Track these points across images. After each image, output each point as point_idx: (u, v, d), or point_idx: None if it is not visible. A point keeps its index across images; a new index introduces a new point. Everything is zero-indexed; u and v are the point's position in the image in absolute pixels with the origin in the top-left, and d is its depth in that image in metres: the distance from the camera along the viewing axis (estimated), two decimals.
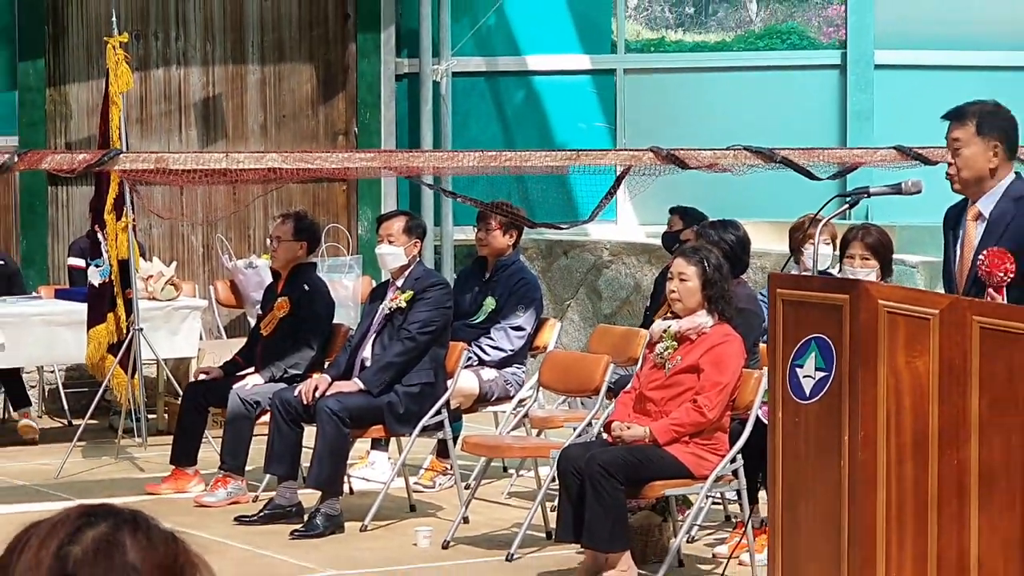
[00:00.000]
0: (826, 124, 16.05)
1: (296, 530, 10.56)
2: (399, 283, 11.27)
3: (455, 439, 11.32)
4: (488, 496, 11.28)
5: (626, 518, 9.28)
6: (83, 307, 13.65)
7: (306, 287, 12.02)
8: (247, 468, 11.55)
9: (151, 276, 14.11)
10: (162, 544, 2.57)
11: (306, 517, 10.70)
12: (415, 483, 11.81)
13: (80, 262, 14.33)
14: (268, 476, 11.34)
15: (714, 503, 10.24)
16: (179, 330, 14.36)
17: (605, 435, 9.65)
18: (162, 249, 16.11)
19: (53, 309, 14.28)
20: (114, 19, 14.01)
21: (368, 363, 11.16)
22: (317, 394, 10.87)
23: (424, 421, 10.95)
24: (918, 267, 11.46)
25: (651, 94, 17.16)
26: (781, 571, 7.53)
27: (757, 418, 9.06)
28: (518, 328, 12.10)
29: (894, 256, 10.33)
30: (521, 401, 11.92)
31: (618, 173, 12.07)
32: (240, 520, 10.84)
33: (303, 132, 16.98)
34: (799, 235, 10.77)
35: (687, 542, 9.69)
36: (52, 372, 15.03)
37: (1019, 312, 7.03)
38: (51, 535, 2.56)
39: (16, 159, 11.64)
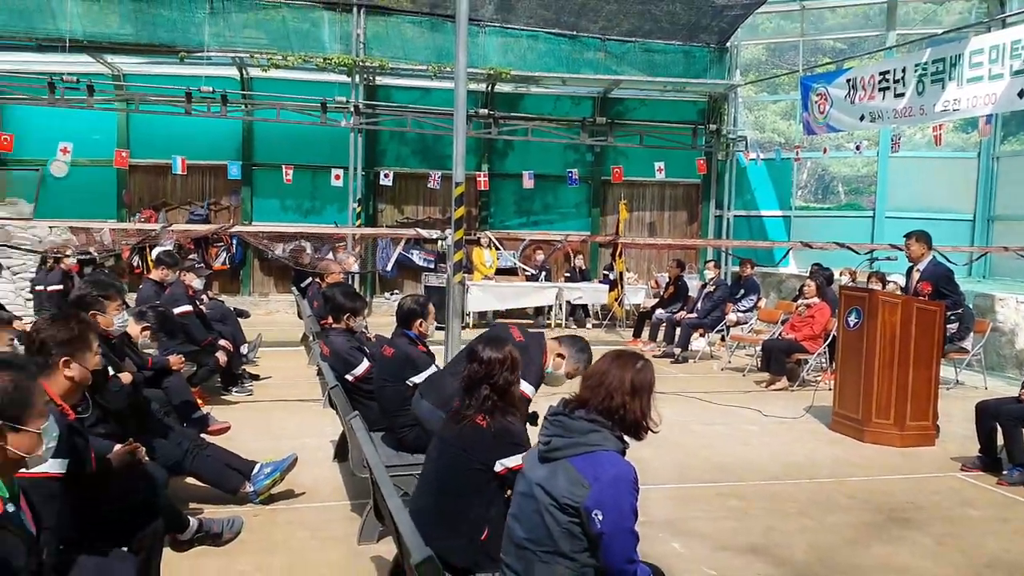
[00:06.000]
0: None
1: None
2: None
3: None
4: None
5: (785, 364, 9.33)
6: (605, 287, 13.84)
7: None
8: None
9: (623, 275, 13.96)
10: (508, 344, 3.30)
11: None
12: None
13: (608, 273, 14.35)
14: None
15: (817, 363, 9.77)
16: (637, 294, 14.13)
17: (783, 338, 9.60)
18: (634, 267, 15.99)
19: (599, 287, 14.07)
20: (623, 200, 15.09)
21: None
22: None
23: None
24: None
25: None
26: (838, 389, 7.51)
27: (833, 335, 8.88)
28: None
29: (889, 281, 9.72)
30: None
31: None
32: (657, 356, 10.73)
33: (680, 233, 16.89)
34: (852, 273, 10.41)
35: (805, 375, 9.48)
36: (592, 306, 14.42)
37: (930, 303, 7.09)
38: (478, 340, 3.43)
39: (568, 239, 12.79)
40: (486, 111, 14.67)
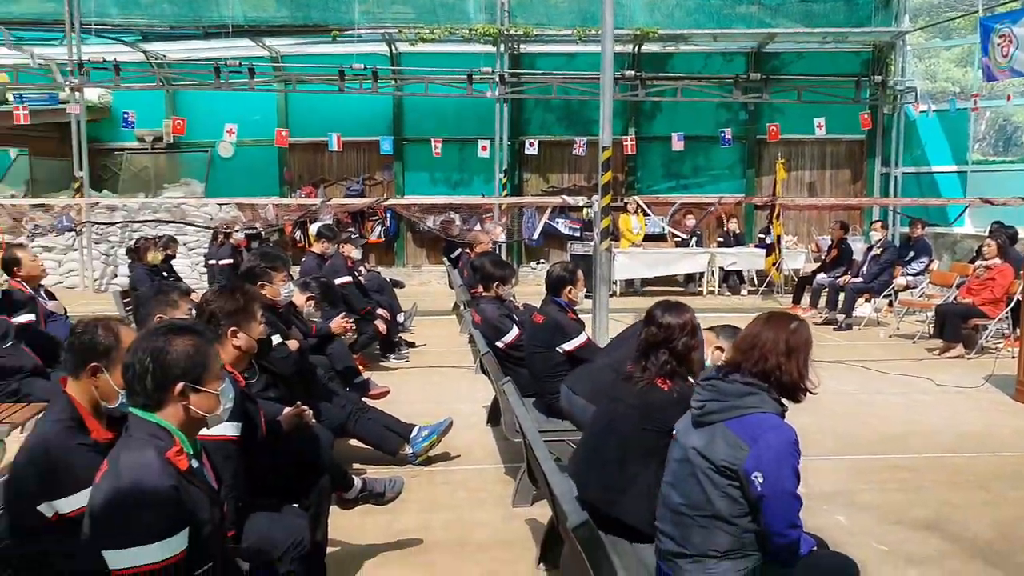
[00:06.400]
0: None
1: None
2: None
3: None
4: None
5: (961, 329, 8.78)
6: (762, 251, 13.25)
7: None
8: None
9: (781, 238, 12.84)
10: (689, 311, 3.14)
11: None
12: None
13: (765, 237, 13.60)
14: None
15: (998, 329, 9.19)
16: (796, 259, 13.70)
17: (959, 302, 9.16)
18: (792, 229, 15.21)
19: (755, 252, 13.68)
20: (780, 160, 13.84)
21: None
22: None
23: None
24: None
25: None
26: (1021, 355, 7.05)
27: (1017, 299, 8.50)
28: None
29: None
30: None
31: None
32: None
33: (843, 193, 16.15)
34: None
35: (984, 342, 8.98)
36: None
37: None
38: (656, 305, 3.29)
39: (721, 202, 12.67)
40: (632, 73, 14.48)
